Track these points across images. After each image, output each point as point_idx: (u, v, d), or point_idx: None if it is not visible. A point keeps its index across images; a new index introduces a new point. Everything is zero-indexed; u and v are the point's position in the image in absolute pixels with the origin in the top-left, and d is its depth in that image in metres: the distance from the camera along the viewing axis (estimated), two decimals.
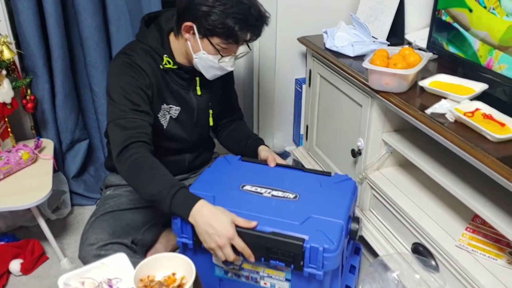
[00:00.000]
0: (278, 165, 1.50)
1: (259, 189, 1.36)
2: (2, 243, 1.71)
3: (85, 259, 1.38)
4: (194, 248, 1.28)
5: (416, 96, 1.38)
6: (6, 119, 1.72)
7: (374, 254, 1.56)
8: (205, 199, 1.23)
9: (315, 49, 1.79)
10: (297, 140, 2.25)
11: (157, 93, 1.44)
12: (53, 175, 1.66)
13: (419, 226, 1.37)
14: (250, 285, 1.30)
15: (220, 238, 1.16)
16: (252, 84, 2.15)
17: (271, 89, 2.16)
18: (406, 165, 1.61)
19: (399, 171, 1.61)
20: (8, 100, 1.64)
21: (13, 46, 1.67)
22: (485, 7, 1.31)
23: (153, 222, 1.58)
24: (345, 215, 1.26)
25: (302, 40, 1.90)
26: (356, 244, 1.59)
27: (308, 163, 2.00)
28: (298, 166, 2.06)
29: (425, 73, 1.48)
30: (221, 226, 1.17)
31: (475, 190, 1.25)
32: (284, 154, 2.28)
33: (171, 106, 1.49)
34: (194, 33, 1.35)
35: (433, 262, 1.34)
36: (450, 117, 1.24)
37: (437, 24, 1.51)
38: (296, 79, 2.14)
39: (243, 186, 1.37)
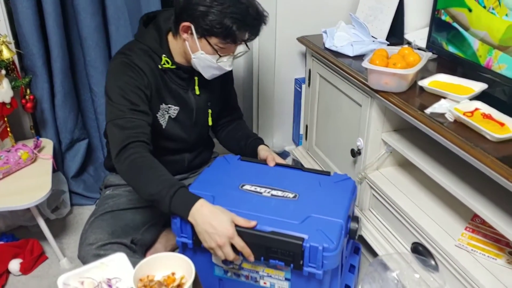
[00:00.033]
0: (277, 164, 1.50)
1: (258, 189, 1.36)
2: (1, 242, 1.71)
3: (84, 259, 1.38)
4: (194, 247, 1.28)
5: (416, 95, 1.38)
6: (5, 119, 1.72)
7: (374, 254, 1.56)
8: (204, 198, 1.23)
9: (315, 48, 1.79)
10: (296, 139, 2.25)
11: (155, 93, 1.44)
12: (53, 175, 1.66)
13: (419, 225, 1.37)
14: (249, 285, 1.30)
15: (220, 238, 1.16)
16: (252, 84, 2.15)
17: (271, 89, 2.16)
18: (405, 165, 1.61)
19: (399, 171, 1.61)
20: (7, 99, 1.64)
21: (12, 46, 1.67)
22: (484, 7, 1.31)
23: (152, 222, 1.58)
24: (344, 215, 1.26)
25: (301, 39, 1.90)
26: (356, 244, 1.59)
27: (308, 163, 2.00)
28: (297, 165, 2.05)
29: (424, 72, 1.48)
30: (221, 226, 1.17)
31: (475, 189, 1.25)
32: (283, 154, 2.28)
33: (170, 106, 1.49)
34: (192, 33, 1.35)
35: (433, 262, 1.34)
36: (450, 117, 1.24)
37: (437, 24, 1.51)
38: (296, 79, 2.14)
39: (243, 185, 1.37)
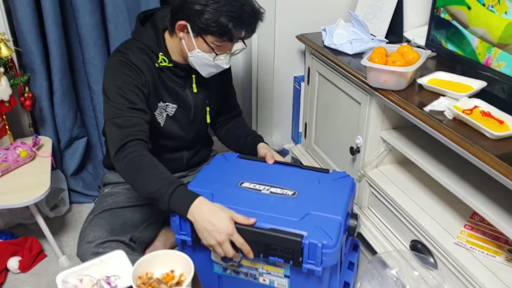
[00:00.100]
0: (276, 162, 1.50)
1: (257, 186, 1.36)
2: (0, 240, 1.71)
3: (83, 257, 1.38)
4: (193, 245, 1.28)
5: (415, 93, 1.38)
6: (4, 117, 1.71)
7: (373, 252, 1.57)
8: (203, 196, 1.23)
9: (314, 46, 1.79)
10: (295, 137, 2.25)
11: (153, 91, 1.44)
12: (51, 173, 1.66)
13: (418, 223, 1.37)
14: (249, 282, 1.30)
15: (219, 235, 1.16)
16: (251, 82, 2.15)
17: (270, 87, 2.16)
18: (404, 163, 1.61)
19: (398, 169, 1.61)
20: (6, 97, 1.64)
21: (10, 44, 1.67)
22: (483, 5, 1.31)
23: (151, 220, 1.58)
24: (343, 212, 1.26)
25: (300, 37, 1.90)
26: (355, 241, 1.59)
27: (307, 161, 2.00)
28: (296, 163, 2.05)
29: (423, 70, 1.48)
30: (220, 223, 1.17)
31: (474, 187, 1.25)
32: (282, 152, 2.28)
33: (167, 104, 1.49)
34: (188, 32, 1.34)
35: (432, 259, 1.34)
36: (449, 115, 1.24)
37: (436, 22, 1.51)
38: (295, 77, 2.14)
39: (242, 183, 1.37)
